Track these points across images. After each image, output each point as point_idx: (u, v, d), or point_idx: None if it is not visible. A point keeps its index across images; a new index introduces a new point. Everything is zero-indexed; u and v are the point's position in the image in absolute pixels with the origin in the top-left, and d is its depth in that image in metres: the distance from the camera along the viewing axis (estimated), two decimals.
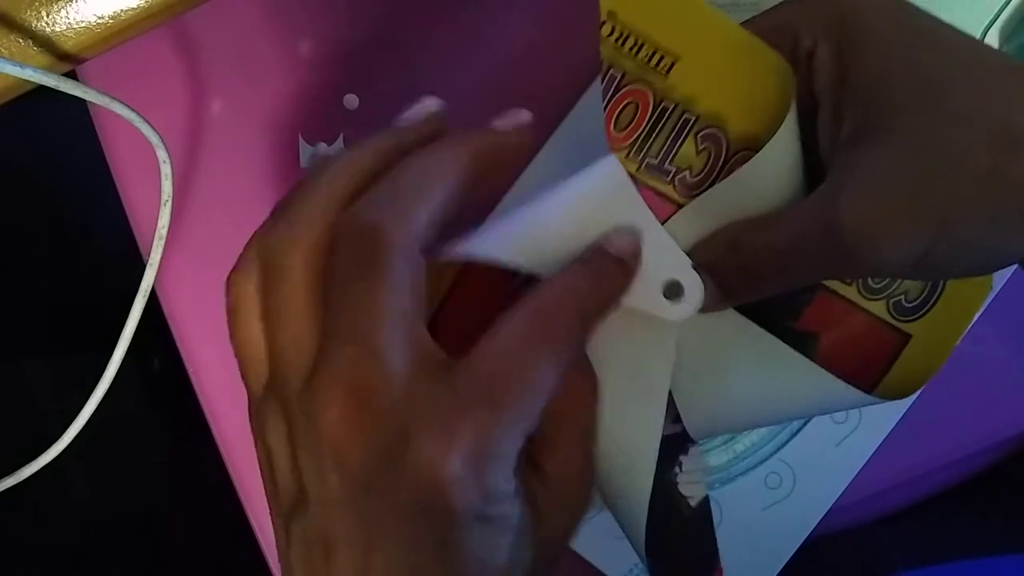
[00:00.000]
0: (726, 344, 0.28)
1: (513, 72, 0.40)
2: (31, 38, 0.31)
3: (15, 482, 0.34)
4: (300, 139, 0.39)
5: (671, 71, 0.26)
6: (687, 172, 0.27)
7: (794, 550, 0.39)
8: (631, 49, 0.26)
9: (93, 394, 0.34)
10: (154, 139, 0.32)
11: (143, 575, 0.93)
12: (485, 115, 0.40)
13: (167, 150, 0.32)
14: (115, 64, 0.39)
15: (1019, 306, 0.40)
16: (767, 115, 0.26)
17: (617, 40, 0.26)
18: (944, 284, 0.28)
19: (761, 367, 0.28)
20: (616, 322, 0.26)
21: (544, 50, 0.40)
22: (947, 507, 0.44)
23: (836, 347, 0.29)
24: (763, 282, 0.26)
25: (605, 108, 0.27)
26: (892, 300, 0.28)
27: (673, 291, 0.27)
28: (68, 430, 0.33)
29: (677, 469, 0.30)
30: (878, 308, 0.28)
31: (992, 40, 0.37)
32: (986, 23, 0.36)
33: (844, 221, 0.22)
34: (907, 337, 0.28)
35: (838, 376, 0.28)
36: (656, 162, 0.27)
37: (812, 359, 0.28)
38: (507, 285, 0.29)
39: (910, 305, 0.28)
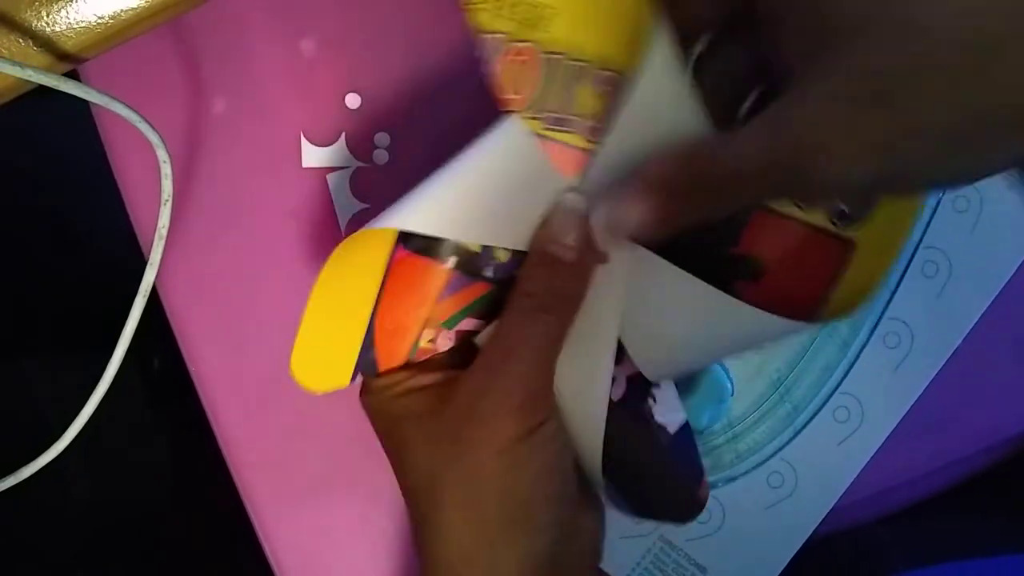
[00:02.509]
0: (664, 297, 0.29)
1: None
2: (31, 38, 0.31)
3: (15, 482, 0.33)
4: (302, 138, 0.39)
5: (551, 25, 0.27)
6: (591, 119, 0.27)
7: (796, 549, 0.39)
8: (504, 9, 0.26)
9: (93, 394, 0.34)
10: (154, 139, 0.32)
11: (143, 575, 0.93)
12: (486, 114, 0.40)
13: (167, 150, 0.32)
14: (115, 64, 0.39)
15: (1019, 307, 0.40)
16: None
17: (489, 2, 0.26)
18: None
19: (697, 313, 0.28)
20: None
21: None
22: (948, 507, 0.44)
23: (781, 265, 0.28)
24: (709, 202, 0.25)
25: (493, 73, 0.27)
26: (832, 208, 0.27)
27: None
28: (68, 430, 0.33)
29: (651, 401, 0.31)
30: (818, 218, 0.28)
31: None
32: None
33: (798, 134, 0.21)
34: (851, 244, 0.27)
35: (786, 295, 0.28)
36: (557, 115, 0.27)
37: (759, 280, 0.28)
38: (439, 276, 0.29)
39: (849, 211, 0.27)
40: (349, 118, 0.39)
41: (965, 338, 0.39)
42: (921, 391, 0.39)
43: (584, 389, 0.29)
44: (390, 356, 0.29)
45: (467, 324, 0.30)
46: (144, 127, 0.31)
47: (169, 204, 0.33)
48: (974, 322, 0.39)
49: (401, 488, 0.29)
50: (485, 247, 0.29)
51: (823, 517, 0.39)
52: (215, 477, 0.42)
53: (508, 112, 0.27)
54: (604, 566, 0.39)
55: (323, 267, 0.28)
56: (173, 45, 0.40)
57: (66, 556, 0.91)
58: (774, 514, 0.39)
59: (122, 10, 0.32)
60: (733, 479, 0.38)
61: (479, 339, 0.30)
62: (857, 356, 0.37)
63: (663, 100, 0.26)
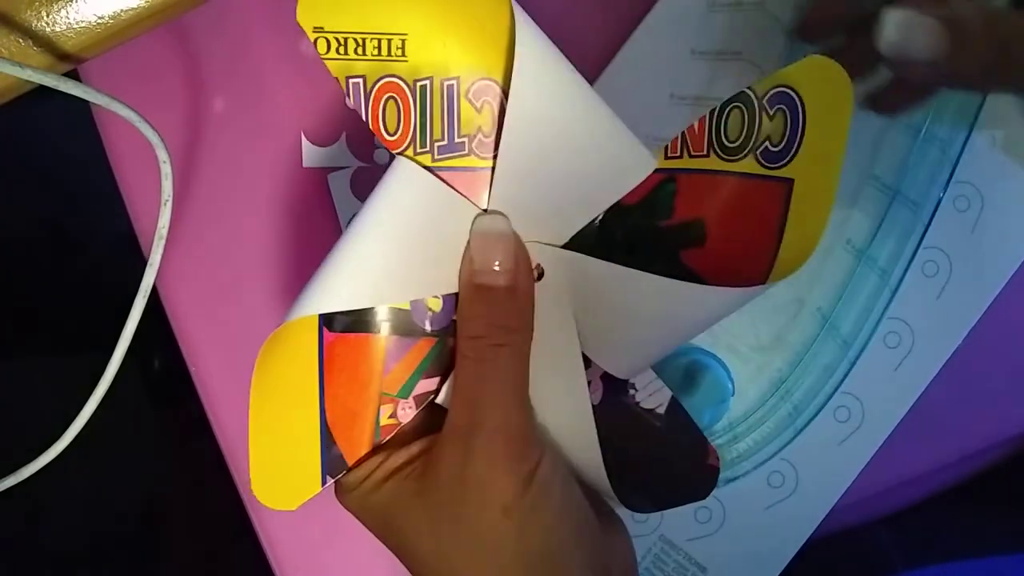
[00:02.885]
0: (610, 298, 0.27)
1: None
2: (31, 38, 0.31)
3: (15, 482, 0.33)
4: (302, 138, 0.39)
5: (405, 50, 0.25)
6: (480, 135, 0.26)
7: (797, 549, 0.39)
8: (356, 51, 0.25)
9: (93, 394, 0.33)
10: (154, 139, 0.32)
11: (143, 575, 0.93)
12: None
13: (167, 150, 0.32)
14: (115, 64, 0.39)
15: (1019, 306, 0.40)
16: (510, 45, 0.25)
17: (338, 50, 0.25)
18: (803, 115, 0.26)
19: (647, 306, 0.27)
20: None
21: None
22: (949, 506, 0.44)
23: (723, 222, 0.27)
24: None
25: (367, 118, 0.26)
26: (758, 151, 0.26)
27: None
28: (68, 430, 0.33)
29: (632, 391, 0.30)
30: (747, 165, 0.26)
31: None
32: None
33: None
34: (788, 182, 0.26)
35: (737, 251, 0.26)
36: (445, 142, 0.26)
37: (704, 244, 0.27)
38: (377, 348, 0.28)
39: (778, 149, 0.26)
40: (350, 118, 0.39)
41: (966, 338, 0.39)
42: (922, 391, 0.39)
43: (565, 410, 0.28)
44: (354, 446, 0.27)
45: (423, 387, 0.28)
46: (144, 127, 0.31)
47: (169, 204, 0.33)
48: (975, 322, 0.39)
49: None
50: (414, 302, 0.27)
51: (824, 517, 0.39)
52: (215, 477, 0.42)
53: (395, 154, 0.26)
54: None
55: (253, 377, 0.26)
56: (173, 45, 0.40)
57: (66, 556, 0.91)
58: (775, 514, 0.39)
59: (122, 10, 0.32)
60: (734, 479, 0.38)
61: (441, 398, 0.28)
62: (858, 356, 0.37)
63: (544, 90, 0.25)
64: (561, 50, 0.26)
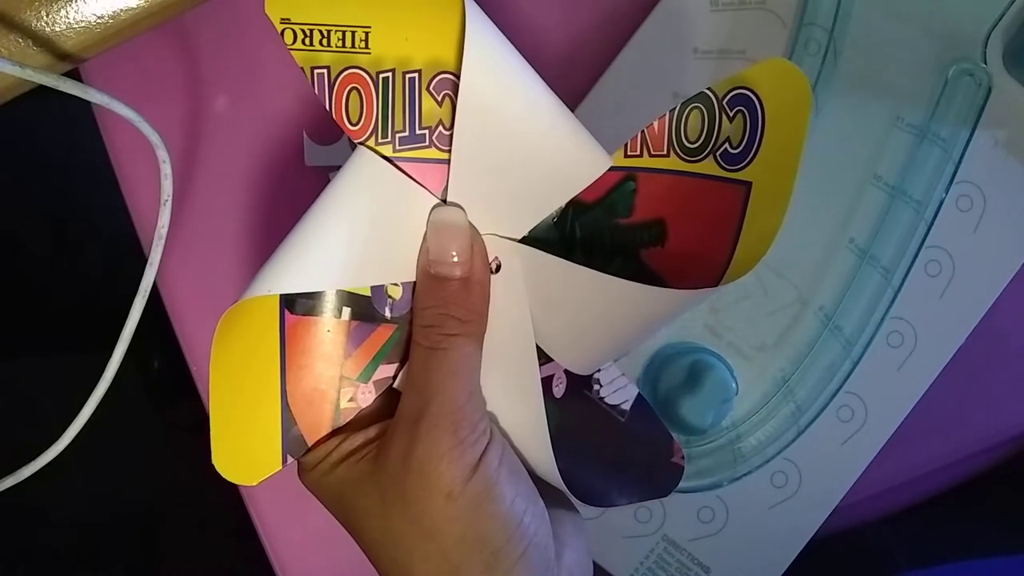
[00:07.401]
0: (565, 295, 0.28)
1: None
2: (31, 38, 0.31)
3: (15, 482, 0.33)
4: (304, 137, 0.39)
5: (369, 43, 0.26)
6: (440, 127, 0.27)
7: (800, 549, 0.39)
8: (321, 42, 0.26)
9: (93, 394, 0.33)
10: (154, 139, 0.31)
11: (143, 575, 0.93)
12: None
13: (167, 150, 0.32)
14: (115, 64, 0.39)
15: (1020, 306, 0.40)
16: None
17: (304, 41, 0.26)
18: (763, 118, 0.26)
19: (601, 305, 0.27)
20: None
21: (546, 52, 0.39)
22: (952, 506, 0.44)
23: (683, 222, 0.27)
24: None
25: (331, 108, 0.26)
26: (718, 153, 0.26)
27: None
28: (68, 430, 0.33)
29: (596, 386, 0.30)
30: (707, 167, 0.27)
31: (996, 40, 0.36)
32: (991, 23, 0.36)
33: None
34: (747, 185, 0.26)
35: (696, 251, 0.27)
36: (407, 133, 0.27)
37: (664, 243, 0.27)
38: (338, 332, 0.28)
39: (737, 151, 0.26)
40: None
41: (968, 337, 0.39)
42: (924, 390, 0.39)
43: (517, 401, 0.28)
44: (314, 427, 0.28)
45: (383, 372, 0.28)
46: (144, 127, 0.31)
47: (169, 204, 0.33)
48: (977, 321, 0.38)
49: (368, 559, 0.28)
50: (375, 288, 0.28)
51: (827, 516, 0.39)
52: (215, 477, 0.42)
53: (356, 144, 0.27)
54: (607, 566, 0.39)
55: (212, 352, 0.26)
56: (174, 44, 0.39)
57: (66, 556, 0.91)
58: (778, 513, 0.39)
59: (122, 10, 0.32)
60: (737, 479, 0.38)
61: (398, 383, 0.29)
62: (861, 356, 0.37)
63: (494, 85, 0.26)
64: (561, 49, 0.26)
